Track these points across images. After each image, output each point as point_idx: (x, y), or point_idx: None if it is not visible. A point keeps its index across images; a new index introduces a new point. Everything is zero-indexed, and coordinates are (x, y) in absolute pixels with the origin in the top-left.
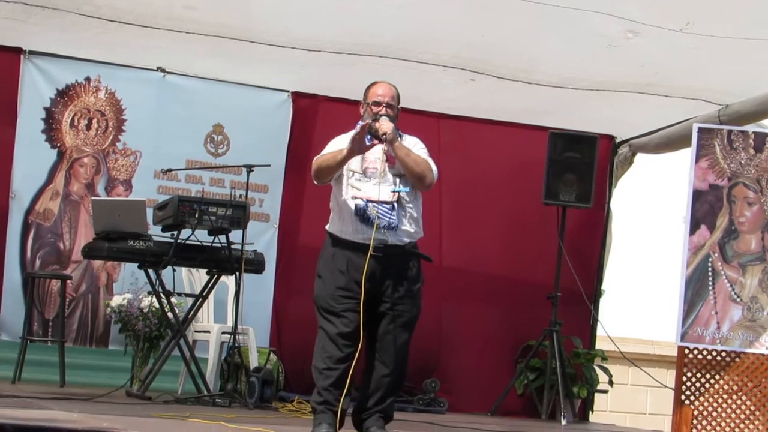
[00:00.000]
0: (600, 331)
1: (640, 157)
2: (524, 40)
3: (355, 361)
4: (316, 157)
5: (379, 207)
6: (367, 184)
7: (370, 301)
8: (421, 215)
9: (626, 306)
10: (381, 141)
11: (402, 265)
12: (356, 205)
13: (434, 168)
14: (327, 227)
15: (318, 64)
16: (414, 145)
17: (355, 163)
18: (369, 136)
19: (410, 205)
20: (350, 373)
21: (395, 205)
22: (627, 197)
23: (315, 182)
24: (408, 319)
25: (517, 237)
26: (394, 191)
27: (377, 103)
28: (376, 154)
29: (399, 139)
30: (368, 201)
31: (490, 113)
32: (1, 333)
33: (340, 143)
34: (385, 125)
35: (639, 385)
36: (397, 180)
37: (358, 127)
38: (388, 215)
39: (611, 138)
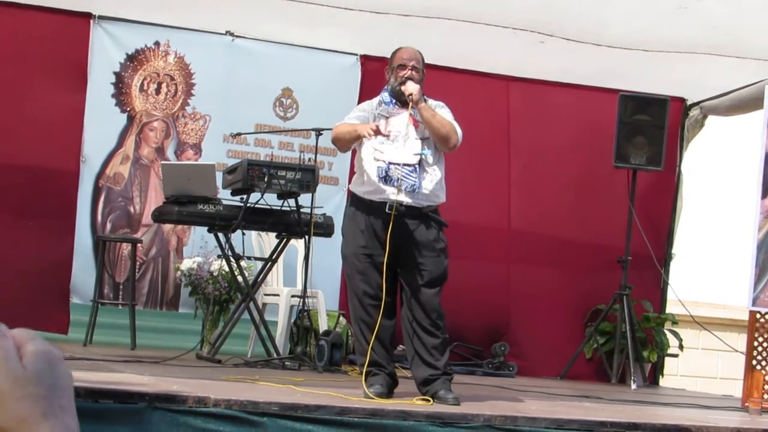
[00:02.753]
0: (670, 295)
1: (712, 120)
2: (594, 1)
3: (382, 321)
4: (336, 124)
5: (402, 169)
6: (390, 147)
7: (392, 263)
8: (444, 179)
9: (697, 270)
10: (407, 103)
11: (419, 227)
12: (378, 167)
13: (459, 130)
14: (350, 186)
15: (387, 26)
16: (440, 108)
17: (379, 125)
18: (394, 101)
19: (433, 167)
20: (379, 332)
21: (417, 167)
22: (698, 160)
23: (335, 147)
24: (431, 278)
25: (586, 200)
26: (416, 154)
27: (402, 66)
28: (401, 117)
29: (424, 101)
30: (390, 163)
31: (559, 76)
32: (72, 296)
33: (362, 113)
34: (410, 87)
35: (710, 349)
36: (420, 143)
37: (384, 102)
38: (410, 178)
39: (682, 100)
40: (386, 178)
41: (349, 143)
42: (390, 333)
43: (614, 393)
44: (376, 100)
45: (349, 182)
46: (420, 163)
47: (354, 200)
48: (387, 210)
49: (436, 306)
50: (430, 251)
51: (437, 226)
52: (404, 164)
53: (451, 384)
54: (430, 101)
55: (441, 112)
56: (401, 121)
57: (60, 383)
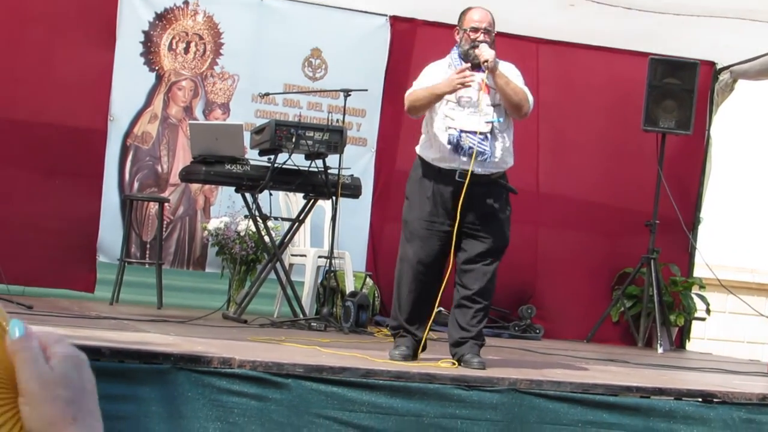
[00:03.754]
0: (698, 259)
1: (741, 84)
2: None
3: (428, 289)
4: (409, 91)
5: (473, 137)
6: (461, 114)
7: (456, 230)
8: (513, 144)
9: (725, 234)
10: (478, 66)
11: (487, 195)
12: (450, 135)
13: (530, 98)
14: (417, 149)
15: None
16: (511, 72)
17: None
18: (462, 63)
19: (503, 135)
20: (430, 301)
21: (488, 135)
22: (727, 124)
23: (409, 116)
24: (493, 247)
25: (615, 163)
26: (488, 122)
27: (475, 29)
28: (473, 82)
29: (498, 66)
30: (462, 131)
31: (589, 38)
32: (99, 255)
33: (432, 75)
34: (486, 53)
35: (737, 313)
36: (492, 110)
37: (455, 65)
38: (482, 146)
39: (712, 64)
40: (457, 147)
41: (427, 107)
42: (431, 300)
43: (640, 357)
44: (444, 63)
45: (375, 142)
46: (491, 130)
47: (422, 165)
48: (457, 178)
49: (491, 274)
50: (495, 220)
51: (505, 193)
52: (477, 132)
53: (480, 350)
54: (501, 63)
55: (512, 78)
56: (473, 86)
57: (86, 386)
